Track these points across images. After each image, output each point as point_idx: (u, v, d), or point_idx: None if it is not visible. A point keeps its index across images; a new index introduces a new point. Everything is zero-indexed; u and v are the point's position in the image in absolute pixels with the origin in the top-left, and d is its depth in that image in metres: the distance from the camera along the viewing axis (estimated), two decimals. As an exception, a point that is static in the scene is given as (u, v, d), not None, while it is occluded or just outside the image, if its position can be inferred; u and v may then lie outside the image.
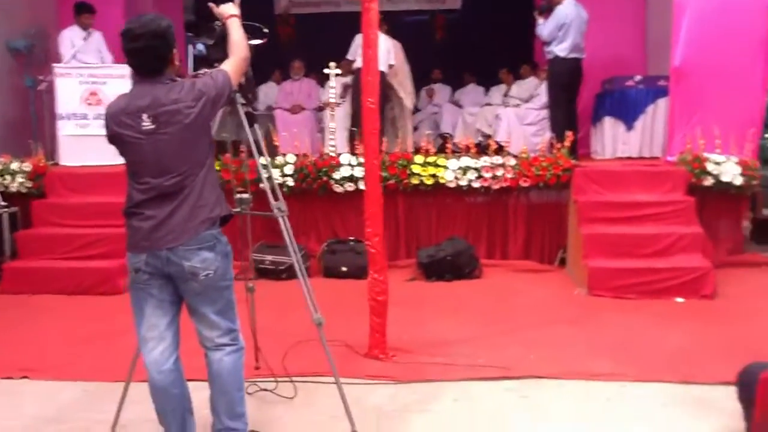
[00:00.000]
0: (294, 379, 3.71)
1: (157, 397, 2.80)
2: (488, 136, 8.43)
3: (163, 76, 2.66)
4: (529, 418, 3.36)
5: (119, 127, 2.64)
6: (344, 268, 6.11)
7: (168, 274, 2.70)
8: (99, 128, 7.12)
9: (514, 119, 8.35)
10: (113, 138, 2.71)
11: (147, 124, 2.60)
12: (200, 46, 3.28)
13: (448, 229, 6.41)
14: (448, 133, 9.36)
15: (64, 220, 6.11)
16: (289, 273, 5.96)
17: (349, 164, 6.31)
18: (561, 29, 6.56)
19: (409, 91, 7.71)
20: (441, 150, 6.73)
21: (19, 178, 6.39)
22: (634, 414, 3.39)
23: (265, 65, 10.36)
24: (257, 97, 7.55)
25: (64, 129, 7.04)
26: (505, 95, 9.25)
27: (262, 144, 3.29)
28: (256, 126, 3.28)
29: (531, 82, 9.06)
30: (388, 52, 7.28)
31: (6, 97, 7.63)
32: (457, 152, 6.81)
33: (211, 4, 3.11)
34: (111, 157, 6.94)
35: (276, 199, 3.20)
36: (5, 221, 6.20)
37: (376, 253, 4.10)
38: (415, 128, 8.99)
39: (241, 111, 3.19)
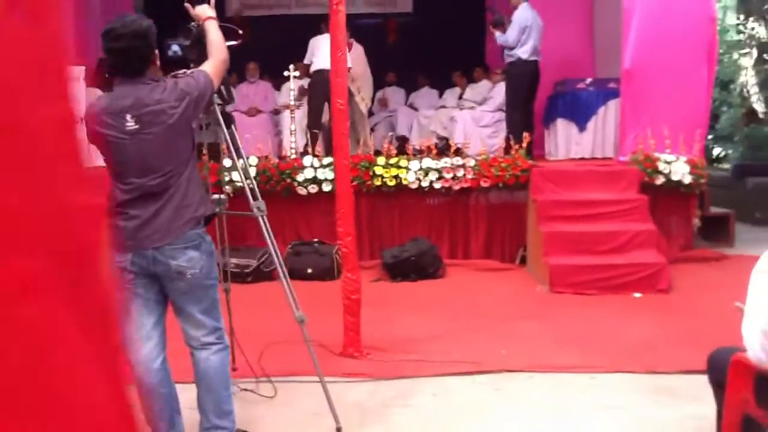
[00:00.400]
0: (272, 378, 3.72)
1: (144, 397, 2.78)
2: (444, 138, 8.56)
3: (144, 77, 2.66)
4: (505, 410, 3.45)
5: (101, 127, 2.62)
6: (309, 270, 6.13)
7: (154, 274, 2.70)
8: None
9: (470, 121, 8.50)
10: (94, 138, 2.69)
11: (131, 124, 2.59)
12: (175, 47, 3.27)
13: (411, 229, 6.50)
14: (403, 135, 9.46)
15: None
16: (254, 276, 5.96)
17: (312, 166, 6.34)
18: (524, 32, 6.74)
19: (367, 96, 7.79)
20: (399, 152, 6.82)
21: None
22: (604, 403, 3.51)
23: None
24: (234, 99, 7.49)
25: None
26: (460, 98, 9.40)
27: (240, 145, 3.31)
28: (233, 127, 3.30)
29: (484, 84, 9.22)
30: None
31: None
32: (418, 154, 6.90)
33: (187, 5, 3.11)
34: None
35: (255, 198, 3.22)
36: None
37: (348, 252, 4.15)
38: (372, 130, 9.06)
39: (218, 112, 3.21)
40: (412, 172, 6.35)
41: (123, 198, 2.66)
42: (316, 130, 6.93)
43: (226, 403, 2.90)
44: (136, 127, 2.59)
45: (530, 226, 6.31)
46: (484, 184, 6.36)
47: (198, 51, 3.02)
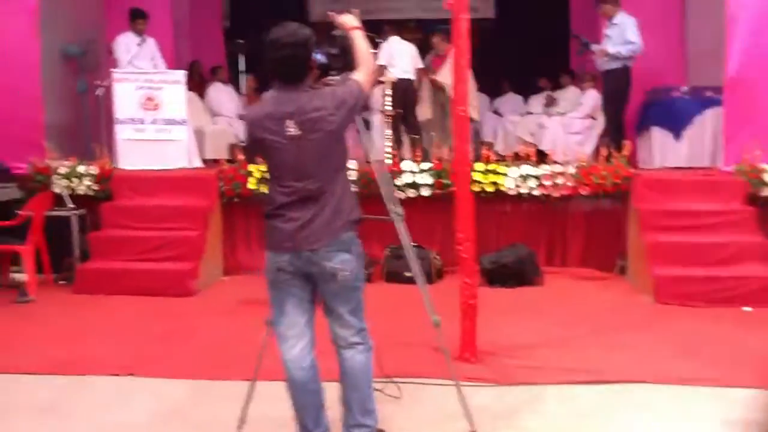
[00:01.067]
0: (395, 379, 3.78)
1: (295, 393, 2.90)
2: (530, 145, 8.53)
3: (304, 84, 2.76)
4: (633, 420, 3.43)
5: (264, 131, 2.74)
6: (408, 274, 6.18)
7: (308, 274, 2.80)
8: (155, 133, 7.33)
9: (559, 128, 8.45)
10: (256, 142, 2.81)
11: (292, 130, 2.70)
12: (321, 56, 3.37)
13: (508, 236, 6.50)
14: (489, 142, 9.46)
15: (132, 223, 6.21)
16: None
17: (411, 171, 6.41)
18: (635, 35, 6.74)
19: (475, 104, 7.84)
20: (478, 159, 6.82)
21: (86, 181, 6.48)
22: (731, 417, 3.44)
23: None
24: (370, 106, 7.67)
25: (122, 133, 7.15)
26: (548, 105, 9.34)
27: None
28: (371, 132, 3.38)
29: (572, 91, 9.16)
30: (412, 57, 7.78)
31: (60, 102, 7.72)
32: (503, 161, 6.88)
33: (331, 14, 3.22)
34: (166, 161, 7.05)
35: (394, 204, 3.30)
36: (74, 223, 6.30)
37: (468, 258, 4.19)
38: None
39: (359, 118, 3.29)
40: (510, 179, 6.35)
41: (282, 200, 2.77)
42: (417, 135, 7.02)
43: (369, 401, 2.98)
44: (297, 132, 2.69)
45: (632, 236, 6.24)
46: (583, 192, 6.32)
47: (343, 59, 3.11)
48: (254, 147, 2.89)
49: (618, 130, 6.84)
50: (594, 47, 7.09)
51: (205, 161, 7.66)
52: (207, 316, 5.29)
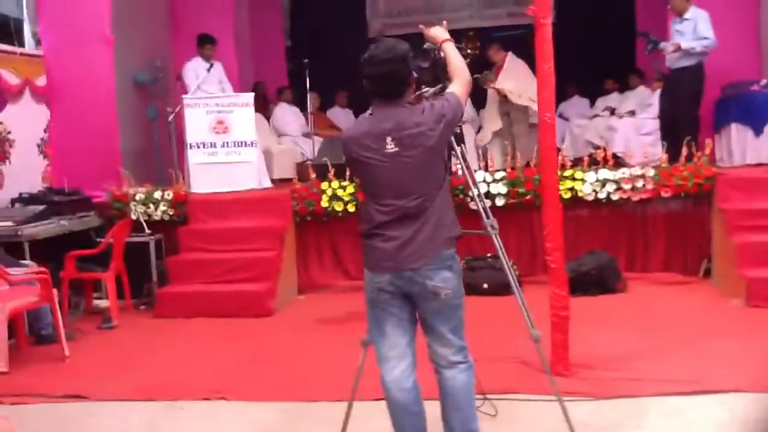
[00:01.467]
0: (488, 396, 3.69)
1: (397, 415, 2.84)
2: (599, 148, 8.34)
3: (403, 100, 2.72)
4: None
5: (361, 149, 2.70)
6: (485, 285, 6.09)
7: (408, 294, 2.74)
8: (226, 155, 7.41)
9: (631, 130, 8.23)
10: (353, 160, 2.78)
11: (390, 146, 2.65)
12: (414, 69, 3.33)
13: (587, 242, 6.33)
14: (557, 147, 9.27)
15: (208, 245, 6.28)
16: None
17: (484, 181, 6.31)
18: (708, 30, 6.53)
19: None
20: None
21: (162, 206, 6.60)
22: None
23: (363, 87, 10.55)
24: (461, 119, 7.63)
25: (194, 157, 7.24)
26: (615, 107, 9.12)
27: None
28: (463, 145, 3.32)
29: (642, 91, 8.93)
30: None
31: (133, 129, 7.91)
32: (576, 165, 6.73)
33: (422, 27, 3.18)
34: (237, 183, 7.09)
35: (487, 216, 3.23)
36: (152, 249, 6.41)
37: (557, 268, 4.08)
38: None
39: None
40: (588, 184, 6.20)
41: (381, 219, 2.72)
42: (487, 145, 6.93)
43: (472, 420, 2.90)
44: (396, 149, 2.65)
45: (717, 237, 6.00)
46: (664, 194, 6.12)
47: (433, 73, 3.07)
48: (351, 165, 2.86)
49: (694, 129, 6.60)
50: (663, 44, 6.88)
51: (272, 181, 7.72)
52: (288, 336, 5.29)
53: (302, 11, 11.64)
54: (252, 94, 7.63)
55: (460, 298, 2.81)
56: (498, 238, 3.23)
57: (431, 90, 3.02)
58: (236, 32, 8.94)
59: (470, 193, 5.71)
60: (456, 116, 2.75)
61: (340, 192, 6.41)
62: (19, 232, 5.59)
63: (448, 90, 2.85)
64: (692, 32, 6.67)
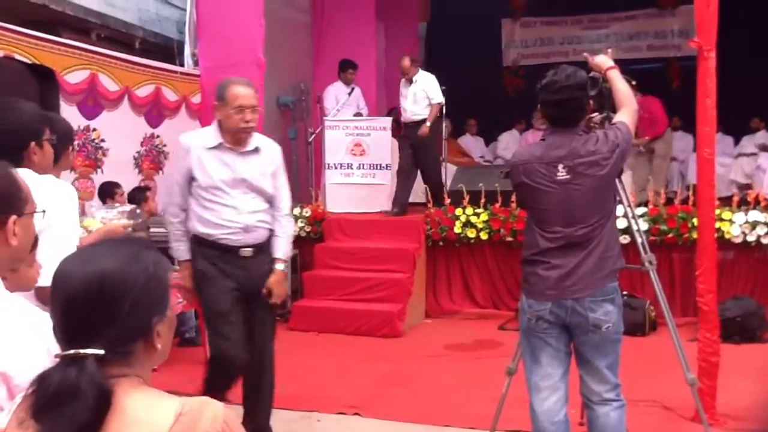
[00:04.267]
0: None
1: (545, 447, 2.80)
2: (745, 187, 7.94)
3: (578, 127, 2.72)
4: None
5: (531, 175, 2.71)
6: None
7: (567, 325, 2.71)
8: (361, 177, 7.57)
9: (782, 170, 7.80)
10: (521, 185, 2.78)
11: (562, 174, 2.65)
12: None
13: (732, 287, 6.01)
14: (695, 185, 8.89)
15: (342, 263, 6.44)
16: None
17: (624, 215, 6.12)
18: None
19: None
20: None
21: (300, 223, 6.83)
22: None
23: (498, 116, 10.56)
24: None
25: (331, 178, 7.48)
26: (763, 149, 8.66)
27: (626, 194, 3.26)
28: (621, 177, 3.26)
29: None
30: None
31: (274, 147, 8.22)
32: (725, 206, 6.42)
33: (586, 55, 3.16)
34: (370, 205, 7.18)
35: (645, 251, 3.15)
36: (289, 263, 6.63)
37: (709, 311, 3.90)
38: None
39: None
40: (736, 225, 5.90)
41: (546, 246, 2.71)
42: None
43: (621, 460, 2.82)
44: (568, 177, 2.64)
45: None
46: (822, 240, 5.74)
47: (598, 101, 3.04)
48: (519, 190, 2.87)
49: None
50: None
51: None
52: (418, 359, 5.31)
53: (438, 40, 11.83)
54: (389, 119, 7.80)
55: (619, 333, 2.76)
56: (656, 274, 3.13)
57: (599, 116, 2.99)
58: (378, 59, 9.19)
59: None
60: (628, 146, 2.72)
61: (473, 219, 6.42)
62: (171, 239, 5.93)
63: (617, 119, 2.82)
64: None
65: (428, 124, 7.01)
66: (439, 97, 7.22)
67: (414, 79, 7.22)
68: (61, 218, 2.29)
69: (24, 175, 1.72)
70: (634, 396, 4.20)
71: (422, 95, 7.18)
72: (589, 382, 2.78)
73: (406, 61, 7.27)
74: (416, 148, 7.12)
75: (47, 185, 2.33)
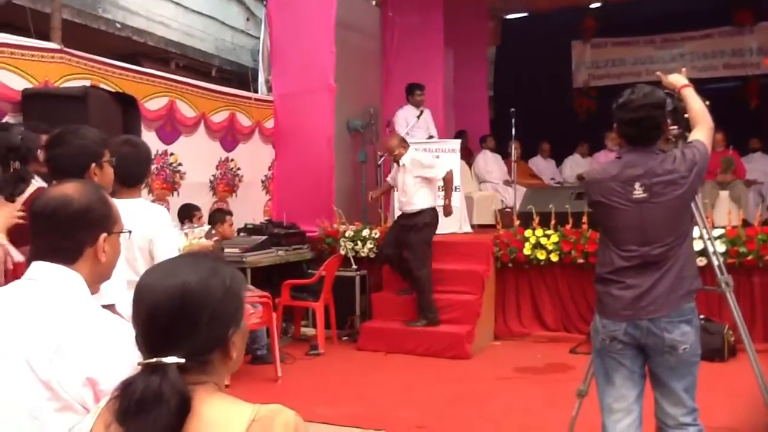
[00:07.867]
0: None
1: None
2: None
3: (655, 146, 2.69)
4: None
5: (606, 193, 2.70)
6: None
7: (643, 345, 2.67)
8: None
9: None
10: (596, 204, 2.77)
11: (638, 192, 2.63)
12: None
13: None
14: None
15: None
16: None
17: (701, 237, 5.96)
18: None
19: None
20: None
21: (369, 244, 6.90)
22: None
23: (569, 137, 10.44)
24: None
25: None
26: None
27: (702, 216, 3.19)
28: (697, 197, 3.19)
29: None
30: None
31: (345, 171, 8.38)
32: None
33: (659, 74, 3.13)
34: (439, 227, 7.17)
35: (722, 273, 3.07)
36: (357, 283, 6.71)
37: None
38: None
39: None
40: (819, 249, 5.67)
41: (620, 265, 2.68)
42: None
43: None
44: (644, 195, 2.62)
45: None
46: None
47: (672, 118, 3.00)
48: (594, 209, 2.85)
49: None
50: None
51: (472, 226, 7.82)
52: (487, 381, 5.28)
53: (508, 63, 11.83)
54: (459, 141, 7.84)
55: (697, 356, 2.69)
56: (733, 296, 3.05)
57: (677, 129, 2.95)
58: (446, 82, 9.26)
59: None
60: (706, 164, 2.68)
61: (543, 240, 6.36)
62: (244, 259, 6.10)
63: (693, 137, 2.78)
64: None
65: (449, 202, 6.33)
66: (439, 170, 6.27)
67: (401, 162, 6.22)
68: (165, 237, 2.52)
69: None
70: (712, 423, 4.06)
71: (416, 181, 6.18)
72: (664, 405, 2.72)
73: (394, 141, 6.38)
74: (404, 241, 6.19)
75: (147, 208, 2.60)
